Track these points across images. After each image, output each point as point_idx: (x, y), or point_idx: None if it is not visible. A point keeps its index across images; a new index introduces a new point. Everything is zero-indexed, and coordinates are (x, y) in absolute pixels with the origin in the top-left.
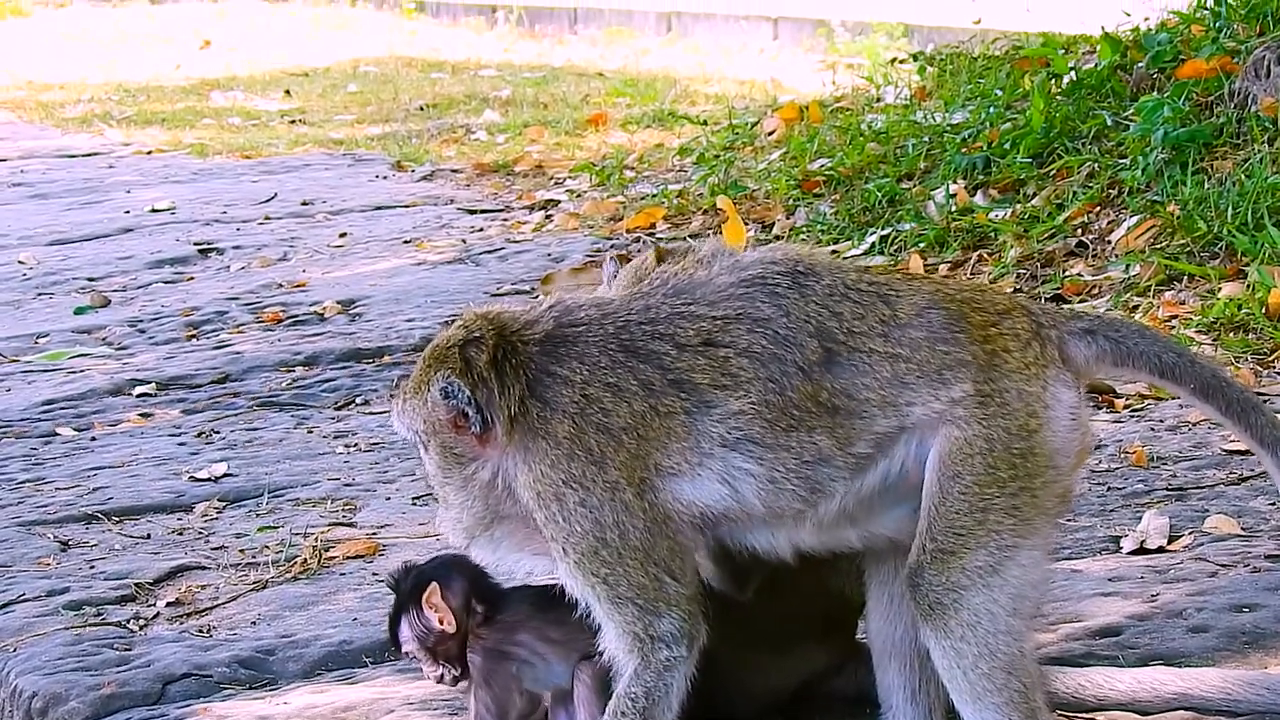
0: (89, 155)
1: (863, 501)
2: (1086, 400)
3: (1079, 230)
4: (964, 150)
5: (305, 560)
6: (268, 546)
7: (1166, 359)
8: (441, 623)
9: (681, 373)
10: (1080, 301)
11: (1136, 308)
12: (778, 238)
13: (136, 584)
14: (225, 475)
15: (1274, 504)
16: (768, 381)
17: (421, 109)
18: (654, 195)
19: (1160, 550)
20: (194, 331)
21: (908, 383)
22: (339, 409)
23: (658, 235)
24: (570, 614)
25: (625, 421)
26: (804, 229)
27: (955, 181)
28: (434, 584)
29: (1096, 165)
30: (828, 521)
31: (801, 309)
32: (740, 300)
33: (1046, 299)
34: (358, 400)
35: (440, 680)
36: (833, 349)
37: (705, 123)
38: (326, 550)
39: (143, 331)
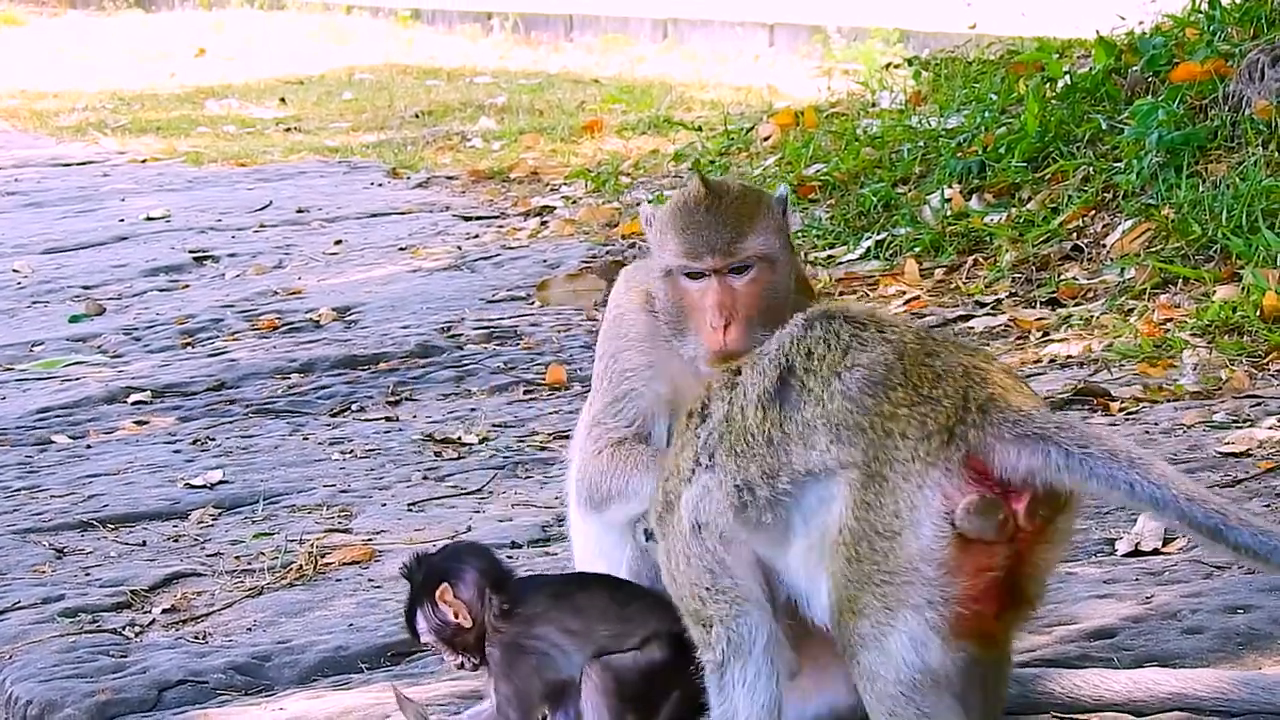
0: (83, 164)
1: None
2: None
3: (1074, 234)
4: (959, 155)
5: (301, 567)
6: (263, 553)
7: (1141, 488)
8: (457, 616)
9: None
10: (1075, 305)
11: (1131, 311)
12: None
13: (132, 591)
14: (221, 482)
15: (1269, 506)
16: (731, 403)
17: (417, 116)
18: (649, 201)
19: (1155, 552)
20: (189, 339)
21: (817, 429)
22: (335, 416)
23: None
24: (588, 604)
25: None
26: (799, 234)
27: (950, 186)
28: (445, 584)
29: (1091, 169)
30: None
31: (790, 342)
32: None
33: (1042, 303)
34: (353, 407)
35: (461, 668)
36: (787, 382)
37: (700, 129)
38: (322, 556)
39: (138, 339)
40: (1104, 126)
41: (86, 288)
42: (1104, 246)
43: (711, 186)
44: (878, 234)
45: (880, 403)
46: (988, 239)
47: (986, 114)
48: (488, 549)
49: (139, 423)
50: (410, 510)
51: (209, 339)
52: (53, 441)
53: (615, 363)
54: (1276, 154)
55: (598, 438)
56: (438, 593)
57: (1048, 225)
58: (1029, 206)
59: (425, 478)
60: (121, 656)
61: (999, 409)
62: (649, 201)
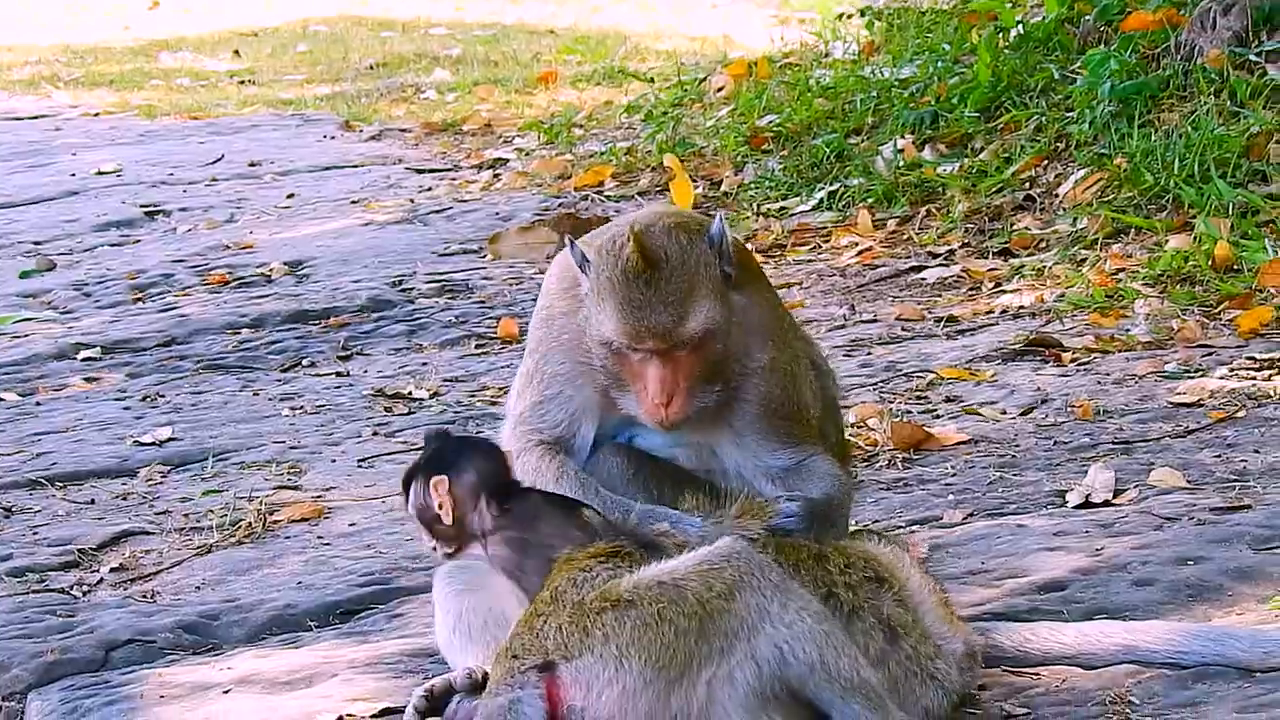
0: (35, 118)
1: None
2: None
3: (1027, 184)
4: (912, 105)
5: (250, 524)
6: (212, 511)
7: None
8: (440, 508)
9: None
10: (1028, 255)
11: (1084, 261)
12: (726, 194)
13: (80, 550)
14: (170, 439)
15: (1219, 456)
16: None
17: (371, 68)
18: (602, 153)
19: (1106, 504)
20: (140, 295)
21: None
22: (285, 371)
23: (606, 193)
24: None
25: None
26: (752, 185)
27: (903, 136)
28: (443, 476)
29: (1044, 119)
30: None
31: None
32: None
33: (994, 253)
34: (304, 362)
35: (433, 551)
36: None
37: (653, 80)
38: (271, 514)
39: (88, 295)
40: (1056, 76)
41: (37, 243)
42: (1057, 196)
43: (650, 257)
44: (830, 185)
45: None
46: (940, 189)
47: (939, 64)
48: (501, 453)
49: (89, 379)
50: (360, 466)
51: (160, 294)
52: (2, 399)
53: (545, 363)
54: (1228, 103)
55: (521, 436)
56: (433, 481)
57: (1000, 175)
58: (982, 157)
59: (375, 433)
60: (69, 616)
61: None
62: (573, 243)
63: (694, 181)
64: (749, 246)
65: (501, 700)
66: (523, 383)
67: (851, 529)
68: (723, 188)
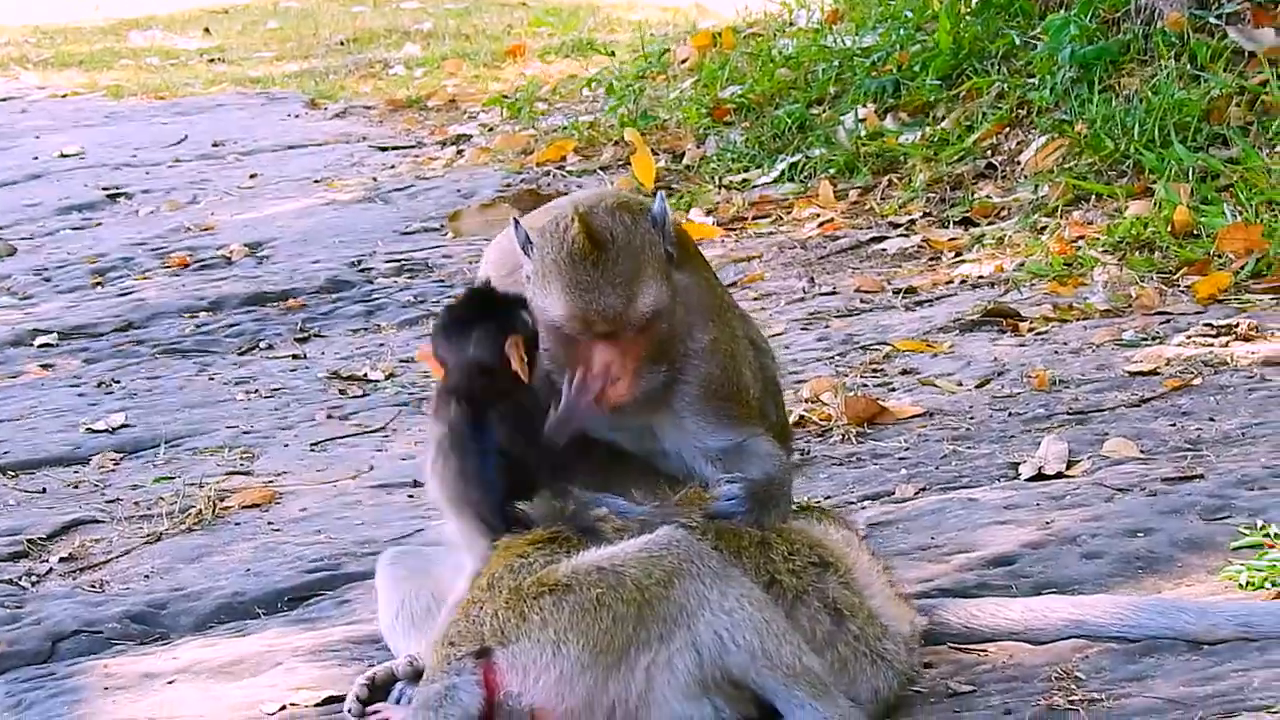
0: (2, 100)
1: None
2: None
3: (988, 151)
4: (873, 73)
5: (200, 511)
6: (163, 498)
7: None
8: (506, 365)
9: None
10: (989, 224)
11: (1044, 229)
12: (688, 168)
13: (29, 540)
14: (123, 426)
15: (1174, 425)
16: None
17: (342, 44)
18: (565, 127)
19: (1059, 475)
20: (100, 279)
21: None
22: (242, 354)
23: (568, 168)
24: None
25: None
26: (714, 158)
27: (865, 105)
28: (522, 337)
29: (1005, 86)
30: None
31: None
32: None
33: (955, 223)
34: (261, 345)
35: (435, 414)
36: None
37: (613, 53)
38: (221, 500)
39: (48, 280)
40: (1017, 42)
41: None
42: (1018, 164)
43: (596, 239)
44: (792, 156)
45: None
46: (902, 159)
47: (901, 31)
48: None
49: (45, 366)
50: (313, 450)
51: (119, 278)
52: None
53: None
54: (1188, 66)
55: None
56: (512, 338)
57: (961, 144)
58: (944, 125)
59: (330, 416)
60: (17, 608)
61: None
62: (517, 224)
63: (656, 155)
64: (709, 220)
65: (437, 687)
66: None
67: (802, 506)
68: (685, 160)
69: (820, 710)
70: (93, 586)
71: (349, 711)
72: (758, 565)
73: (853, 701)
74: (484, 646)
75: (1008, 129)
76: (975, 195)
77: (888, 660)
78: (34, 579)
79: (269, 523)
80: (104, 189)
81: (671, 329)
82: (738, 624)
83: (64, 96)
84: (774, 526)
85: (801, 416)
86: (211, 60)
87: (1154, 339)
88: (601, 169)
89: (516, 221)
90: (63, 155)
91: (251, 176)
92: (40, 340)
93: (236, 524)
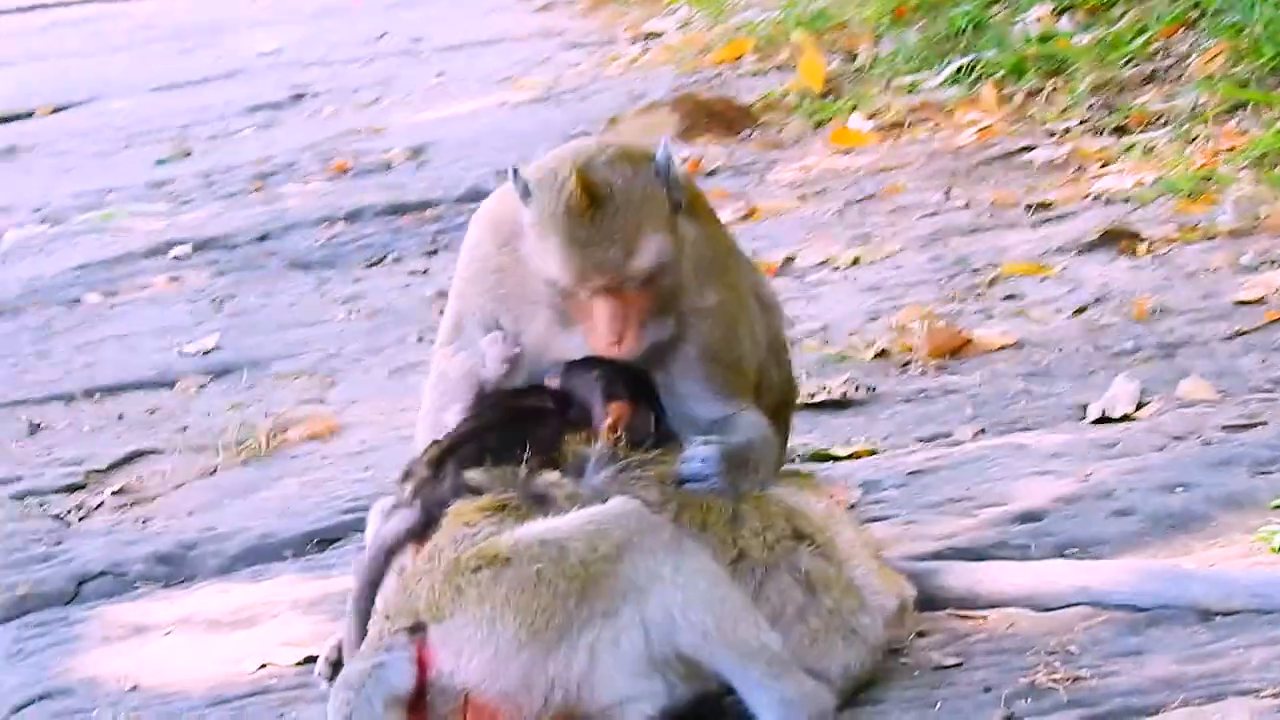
0: None
1: None
2: None
3: (1157, 55)
4: None
5: (257, 443)
6: (227, 429)
7: None
8: (605, 426)
9: None
10: (1142, 133)
11: (1195, 139)
12: (859, 70)
13: (88, 471)
14: (215, 349)
15: (1264, 361)
16: None
17: None
18: (743, 26)
19: (1124, 419)
20: (260, 184)
21: None
22: (369, 267)
23: (742, 70)
24: None
25: None
26: (885, 60)
27: (1042, 3)
28: (627, 406)
29: None
30: None
31: None
32: None
33: (1110, 131)
34: (389, 258)
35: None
36: None
37: None
38: (284, 430)
39: (211, 185)
40: None
41: (185, 127)
42: (1186, 68)
43: (594, 194)
44: (963, 58)
45: None
46: (1072, 62)
47: None
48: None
49: (173, 279)
50: (390, 377)
51: (280, 183)
52: (80, 301)
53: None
54: None
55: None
56: (617, 405)
57: (1128, 46)
58: (1119, 26)
59: (420, 339)
60: (55, 544)
61: None
62: (516, 173)
63: (831, 56)
64: (869, 125)
65: (364, 665)
66: (450, 332)
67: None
68: (857, 62)
69: (777, 689)
70: (136, 522)
71: (318, 674)
72: (725, 539)
73: (820, 678)
74: (417, 622)
75: (1181, 30)
76: (1136, 101)
77: (860, 635)
78: (82, 514)
79: (323, 457)
80: (292, 88)
81: (678, 280)
82: (690, 600)
83: None
84: (748, 496)
85: (884, 349)
86: None
87: (1273, 263)
88: (776, 69)
89: (515, 171)
90: (261, 54)
91: (438, 75)
92: (175, 251)
93: (292, 457)
